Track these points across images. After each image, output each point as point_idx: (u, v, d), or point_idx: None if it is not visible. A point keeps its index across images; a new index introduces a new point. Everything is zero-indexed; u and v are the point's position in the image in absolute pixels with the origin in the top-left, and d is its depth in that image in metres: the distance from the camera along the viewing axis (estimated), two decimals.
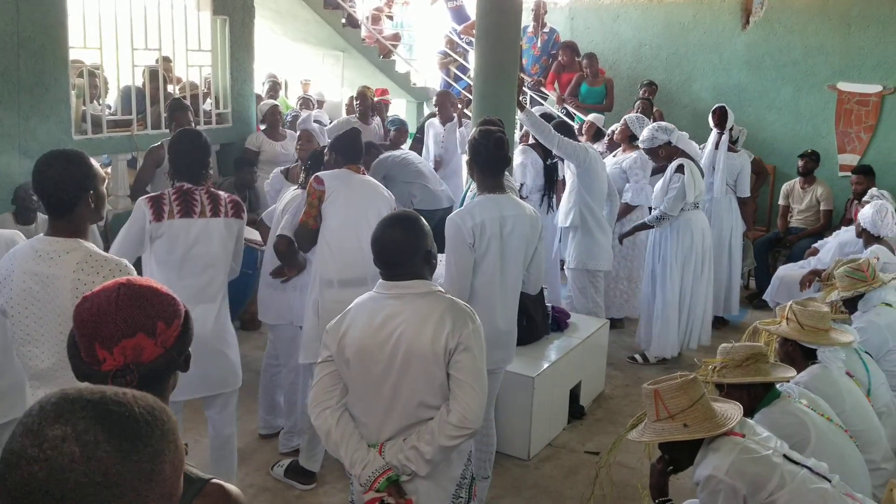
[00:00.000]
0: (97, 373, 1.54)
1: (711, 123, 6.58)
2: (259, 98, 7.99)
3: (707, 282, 5.90)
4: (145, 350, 1.54)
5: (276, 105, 7.47)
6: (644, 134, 5.84)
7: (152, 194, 3.49)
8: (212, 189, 3.55)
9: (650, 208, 6.02)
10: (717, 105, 6.67)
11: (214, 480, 1.44)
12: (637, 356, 5.99)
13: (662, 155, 5.75)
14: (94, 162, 2.62)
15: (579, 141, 5.93)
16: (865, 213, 5.18)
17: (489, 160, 3.57)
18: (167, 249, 3.40)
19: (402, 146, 7.10)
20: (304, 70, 11.01)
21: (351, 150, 4.10)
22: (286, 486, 4.15)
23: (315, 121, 7.14)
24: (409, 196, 6.30)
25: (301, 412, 4.32)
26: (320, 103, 9.26)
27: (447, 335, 2.36)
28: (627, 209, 6.43)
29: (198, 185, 3.48)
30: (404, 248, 2.47)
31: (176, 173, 3.50)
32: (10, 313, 2.50)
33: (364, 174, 4.13)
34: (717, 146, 6.50)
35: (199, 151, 3.53)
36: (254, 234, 5.22)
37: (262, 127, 7.39)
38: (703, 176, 5.85)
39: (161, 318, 1.57)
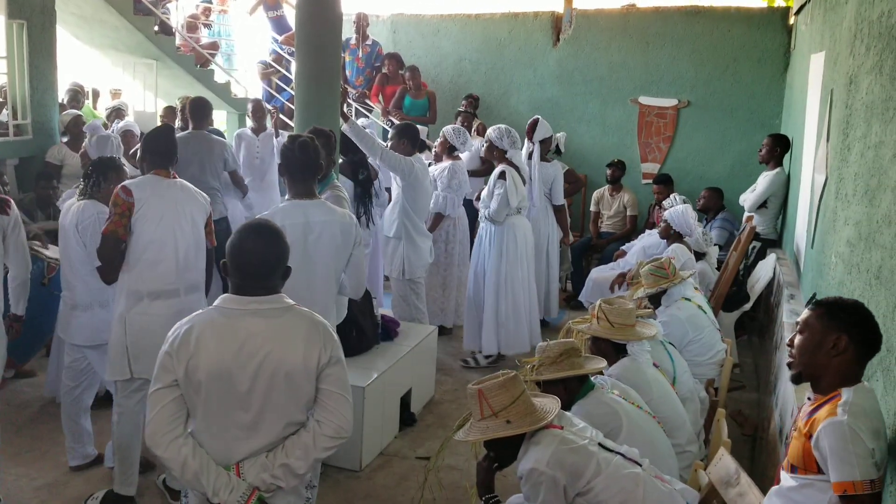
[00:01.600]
0: None
1: (526, 135, 6.88)
2: (63, 108, 7.48)
3: (531, 285, 6.16)
4: None
5: (79, 115, 7.00)
6: (493, 133, 6.05)
7: None
8: None
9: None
10: (532, 118, 6.99)
11: None
12: (469, 359, 6.14)
13: (495, 155, 6.03)
14: None
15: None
16: (676, 217, 5.55)
17: (295, 165, 3.58)
18: None
19: None
20: (113, 79, 10.41)
21: (166, 150, 3.86)
22: None
23: (126, 130, 6.73)
24: None
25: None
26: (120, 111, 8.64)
27: (320, 351, 2.33)
28: (438, 219, 6.48)
29: None
30: (271, 261, 2.37)
31: None
32: None
33: (175, 178, 3.90)
34: (530, 156, 6.78)
35: None
36: (52, 252, 4.89)
37: (65, 139, 6.93)
38: (524, 183, 6.11)
39: None
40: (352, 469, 4.48)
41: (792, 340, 2.34)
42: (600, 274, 6.93)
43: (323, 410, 2.36)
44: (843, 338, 2.21)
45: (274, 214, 3.52)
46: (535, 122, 6.80)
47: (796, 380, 2.34)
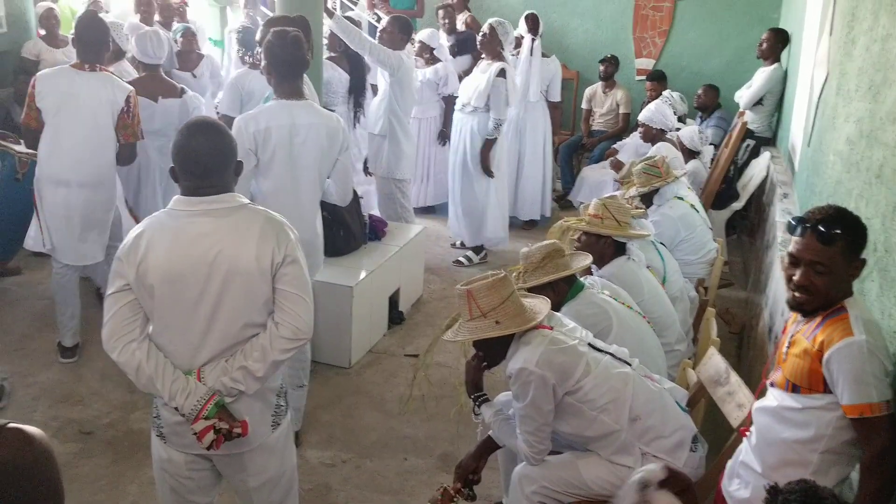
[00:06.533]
0: None
1: (525, 30, 6.70)
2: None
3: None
4: None
5: (52, 7, 6.68)
6: (499, 26, 5.80)
7: None
8: None
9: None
10: (528, 12, 6.80)
11: (11, 425, 1.28)
12: (462, 259, 6.15)
13: (492, 50, 5.81)
14: None
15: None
16: (651, 115, 5.55)
17: (285, 62, 3.40)
18: None
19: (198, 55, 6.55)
20: None
21: (90, 40, 4.12)
22: (98, 413, 3.92)
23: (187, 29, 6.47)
24: None
25: None
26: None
27: (273, 250, 2.23)
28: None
29: None
30: (218, 158, 2.25)
31: None
32: None
33: (94, 70, 4.12)
34: (531, 52, 6.64)
35: None
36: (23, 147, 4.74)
37: (42, 32, 6.65)
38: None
39: None
40: (341, 366, 4.52)
41: (808, 279, 2.08)
42: (591, 173, 6.85)
43: (280, 312, 2.28)
44: (862, 261, 2.08)
45: (258, 114, 3.40)
46: (536, 17, 6.65)
47: (809, 314, 2.15)
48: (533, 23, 6.69)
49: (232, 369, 2.26)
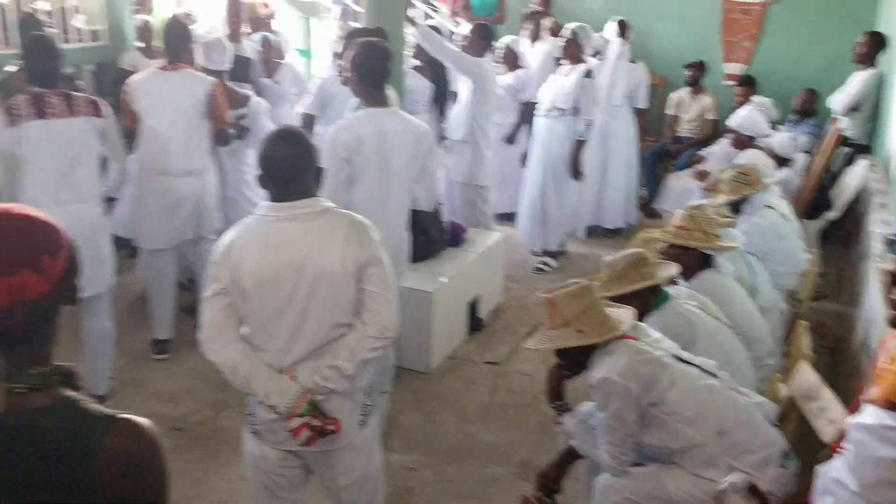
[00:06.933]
0: None
1: (615, 34, 6.66)
2: (138, 12, 7.45)
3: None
4: (30, 287, 1.37)
5: (148, 20, 6.96)
6: (580, 31, 5.84)
7: (6, 102, 3.67)
8: (66, 91, 3.74)
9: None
10: (618, 17, 6.75)
11: (122, 415, 1.34)
12: (542, 266, 6.12)
13: (574, 55, 5.83)
14: None
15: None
16: (743, 122, 5.39)
17: (372, 72, 3.47)
18: (32, 151, 3.61)
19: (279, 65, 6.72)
20: None
21: (173, 44, 4.48)
22: (188, 411, 4.05)
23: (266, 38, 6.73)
24: None
25: None
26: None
27: (356, 252, 2.31)
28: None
29: (50, 89, 3.65)
30: (300, 164, 2.35)
31: (30, 78, 3.72)
32: None
33: (177, 69, 4.41)
34: (619, 56, 6.60)
35: (49, 54, 3.70)
36: None
37: (140, 45, 6.93)
38: None
39: (45, 250, 1.38)
40: (421, 371, 4.56)
41: None
42: (677, 180, 6.72)
43: (366, 311, 2.35)
44: None
45: (350, 123, 3.49)
46: (625, 22, 6.67)
47: None
48: (622, 27, 6.67)
49: (322, 368, 2.33)
